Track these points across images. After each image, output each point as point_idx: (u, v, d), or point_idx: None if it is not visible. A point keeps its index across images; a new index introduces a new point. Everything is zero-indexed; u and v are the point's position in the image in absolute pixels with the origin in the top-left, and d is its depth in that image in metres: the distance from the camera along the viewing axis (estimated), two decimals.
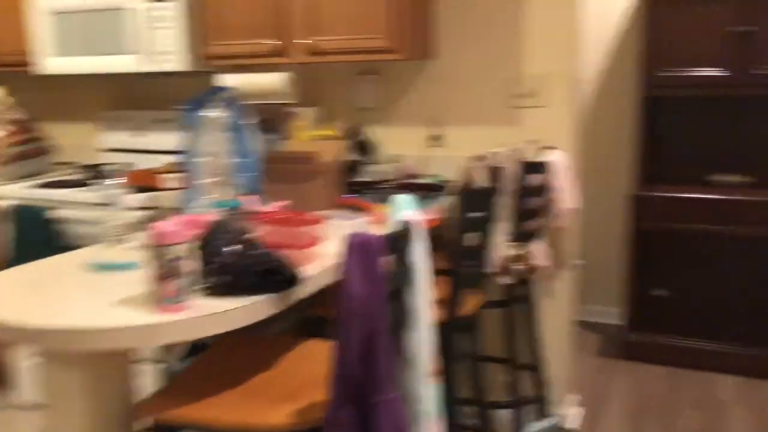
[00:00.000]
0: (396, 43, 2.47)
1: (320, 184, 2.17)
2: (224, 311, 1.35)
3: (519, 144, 2.49)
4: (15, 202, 2.86)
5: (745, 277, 3.35)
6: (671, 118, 3.71)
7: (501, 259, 2.30)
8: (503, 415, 2.82)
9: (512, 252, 2.31)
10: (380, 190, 2.59)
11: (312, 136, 2.78)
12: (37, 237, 2.80)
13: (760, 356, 3.35)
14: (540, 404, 2.66)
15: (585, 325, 4.08)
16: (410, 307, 1.42)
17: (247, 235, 1.49)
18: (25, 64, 3.11)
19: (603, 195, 4.02)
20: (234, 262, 1.41)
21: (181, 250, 1.33)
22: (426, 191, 2.53)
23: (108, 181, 1.88)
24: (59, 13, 2.94)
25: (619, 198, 4.00)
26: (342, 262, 1.23)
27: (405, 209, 1.50)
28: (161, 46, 2.77)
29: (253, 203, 1.93)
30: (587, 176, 4.01)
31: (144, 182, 2.85)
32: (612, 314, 4.10)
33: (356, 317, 1.20)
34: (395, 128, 2.90)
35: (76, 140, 3.59)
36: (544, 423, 2.67)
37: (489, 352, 2.83)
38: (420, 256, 1.44)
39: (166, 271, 1.32)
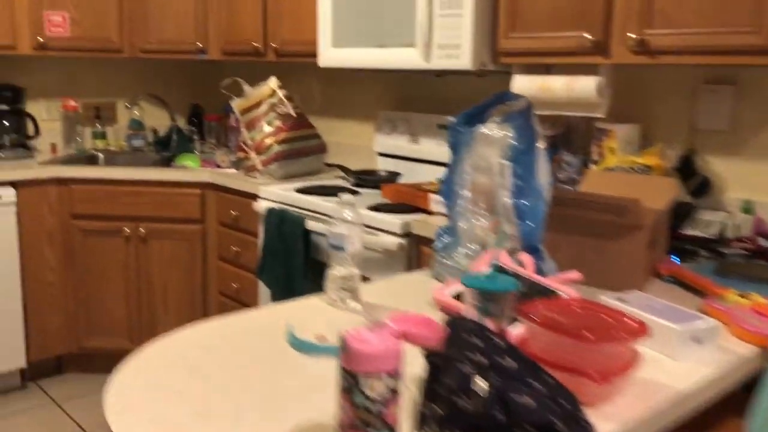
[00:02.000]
0: None
1: (636, 247, 1.45)
2: None
3: None
4: (271, 205, 2.59)
5: None
6: None
7: None
8: None
9: None
10: (719, 255, 1.78)
11: (625, 163, 2.05)
12: (284, 246, 2.49)
13: None
14: None
15: None
16: None
17: (509, 358, 0.86)
18: (310, 54, 2.83)
19: None
20: (479, 411, 0.80)
21: (387, 383, 0.76)
22: None
23: (343, 208, 1.39)
24: None
25: None
26: None
27: None
28: (446, 38, 2.25)
29: (530, 272, 1.30)
30: None
31: (405, 199, 2.38)
32: None
33: None
34: (751, 162, 2.03)
35: (354, 140, 3.28)
36: None
37: None
38: None
39: (359, 417, 0.76)
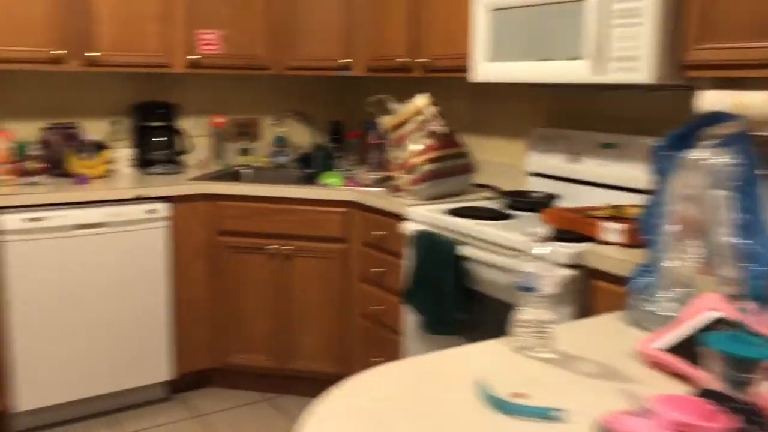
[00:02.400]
0: None
1: None
2: None
3: None
4: (421, 227, 2.47)
5: None
6: None
7: None
8: None
9: None
10: None
11: None
12: (434, 272, 2.36)
13: None
14: None
15: None
16: None
17: None
18: (460, 69, 2.71)
19: None
20: None
21: None
22: None
23: (534, 243, 1.24)
24: (498, 9, 2.44)
25: None
26: None
27: None
28: (622, 49, 2.05)
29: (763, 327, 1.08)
30: None
31: (571, 226, 2.18)
32: None
33: None
34: None
35: (500, 158, 3.11)
36: None
37: None
38: None
39: None
